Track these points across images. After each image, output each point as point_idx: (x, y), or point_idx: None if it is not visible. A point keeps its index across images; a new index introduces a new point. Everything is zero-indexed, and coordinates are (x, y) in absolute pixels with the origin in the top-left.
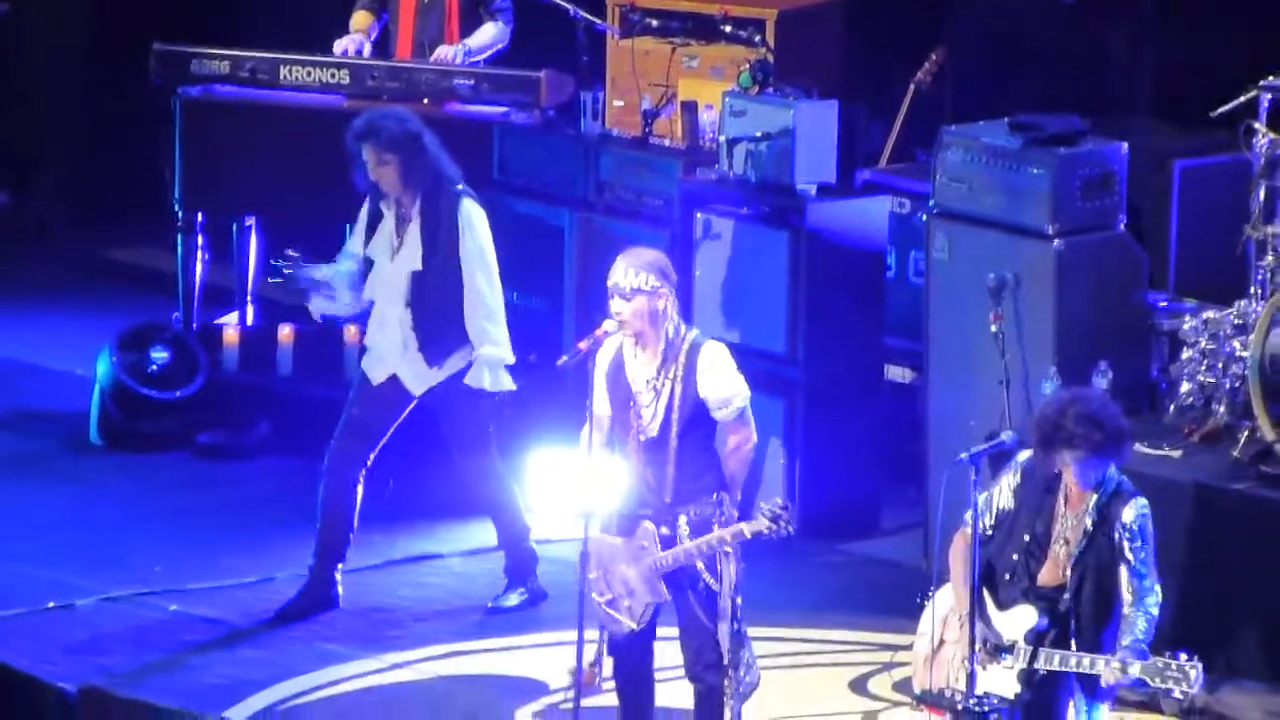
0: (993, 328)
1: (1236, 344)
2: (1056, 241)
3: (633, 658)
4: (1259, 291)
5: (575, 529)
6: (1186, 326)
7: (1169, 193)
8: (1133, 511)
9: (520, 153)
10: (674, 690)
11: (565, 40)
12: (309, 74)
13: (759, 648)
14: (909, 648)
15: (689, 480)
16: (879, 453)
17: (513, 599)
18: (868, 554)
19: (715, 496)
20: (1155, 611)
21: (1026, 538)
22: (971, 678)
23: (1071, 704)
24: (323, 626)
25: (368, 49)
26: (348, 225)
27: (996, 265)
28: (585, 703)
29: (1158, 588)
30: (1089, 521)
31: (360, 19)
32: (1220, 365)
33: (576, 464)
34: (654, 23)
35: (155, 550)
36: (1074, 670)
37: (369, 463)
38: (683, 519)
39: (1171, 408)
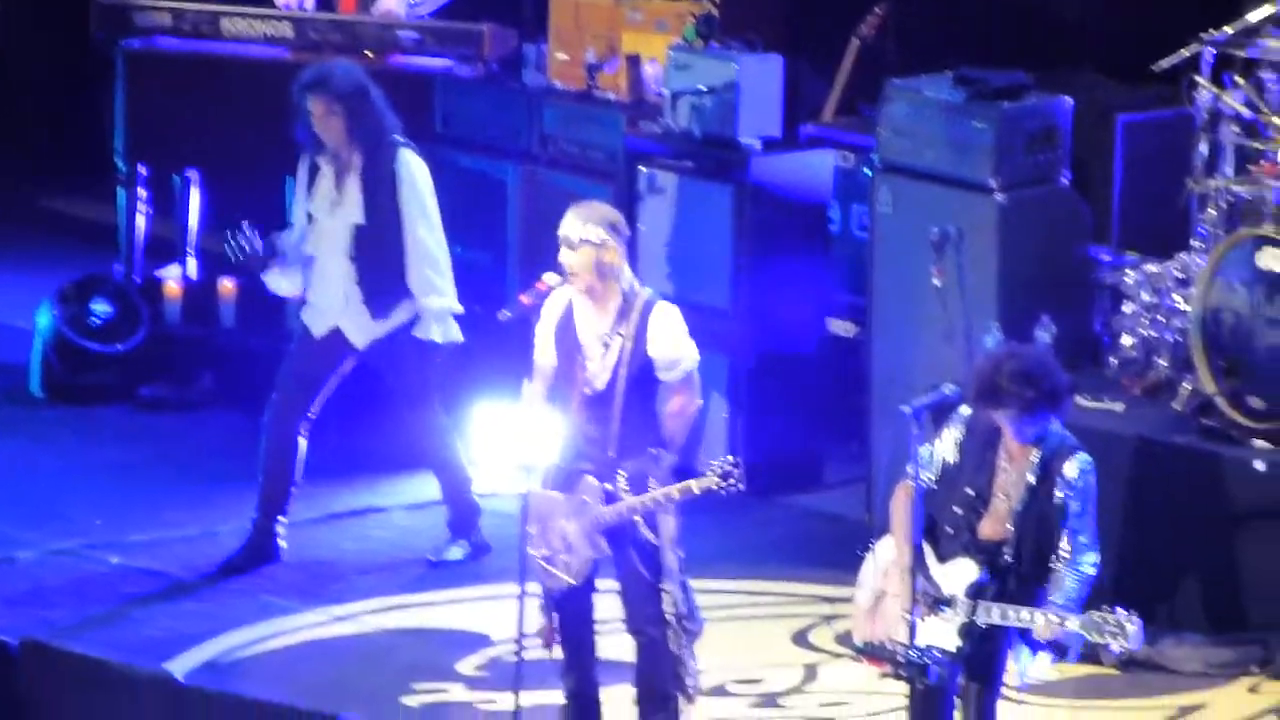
0: (936, 281)
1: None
2: (1000, 195)
3: (574, 611)
4: (1201, 245)
5: (518, 483)
6: (1129, 280)
7: (1112, 147)
8: (1075, 468)
9: (463, 106)
10: (616, 642)
11: None
12: (251, 26)
13: (701, 600)
14: (850, 600)
15: (632, 436)
16: (822, 406)
17: (455, 552)
18: (810, 507)
19: (654, 453)
20: (1091, 571)
21: (969, 491)
22: (912, 629)
23: (1011, 655)
24: (265, 579)
25: (310, 1)
26: (289, 178)
27: (940, 219)
28: (529, 656)
29: (1095, 547)
30: (1031, 476)
31: None
32: (1162, 319)
33: (519, 417)
34: None
35: (97, 503)
36: (1012, 624)
37: (310, 415)
38: (620, 474)
39: (1113, 361)
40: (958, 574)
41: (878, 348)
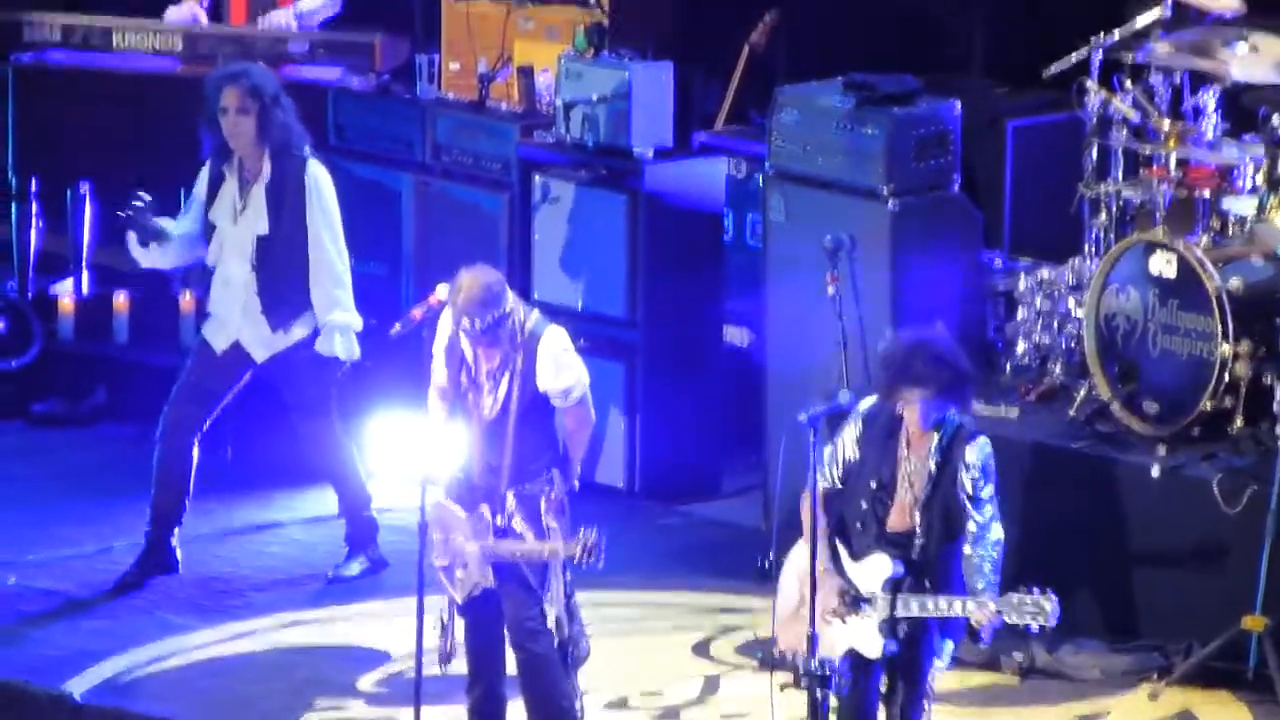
0: (829, 289)
1: (1071, 303)
2: (892, 202)
3: (478, 623)
4: (1093, 250)
5: (417, 497)
6: (1022, 286)
7: (1003, 152)
8: (976, 451)
9: (356, 117)
10: None
11: (400, 3)
12: (142, 39)
13: (601, 612)
14: (749, 610)
15: (526, 462)
16: (718, 415)
17: (354, 567)
18: (708, 516)
19: (547, 475)
20: (996, 554)
21: (873, 484)
22: (812, 641)
23: (935, 655)
24: (163, 597)
25: (203, 18)
26: (182, 190)
27: (833, 226)
28: (429, 672)
29: (998, 526)
30: (933, 464)
31: None
32: (1056, 324)
33: (419, 429)
34: None
35: None
36: (932, 614)
37: (204, 428)
38: (511, 494)
39: (1008, 367)
40: (873, 570)
41: (772, 355)
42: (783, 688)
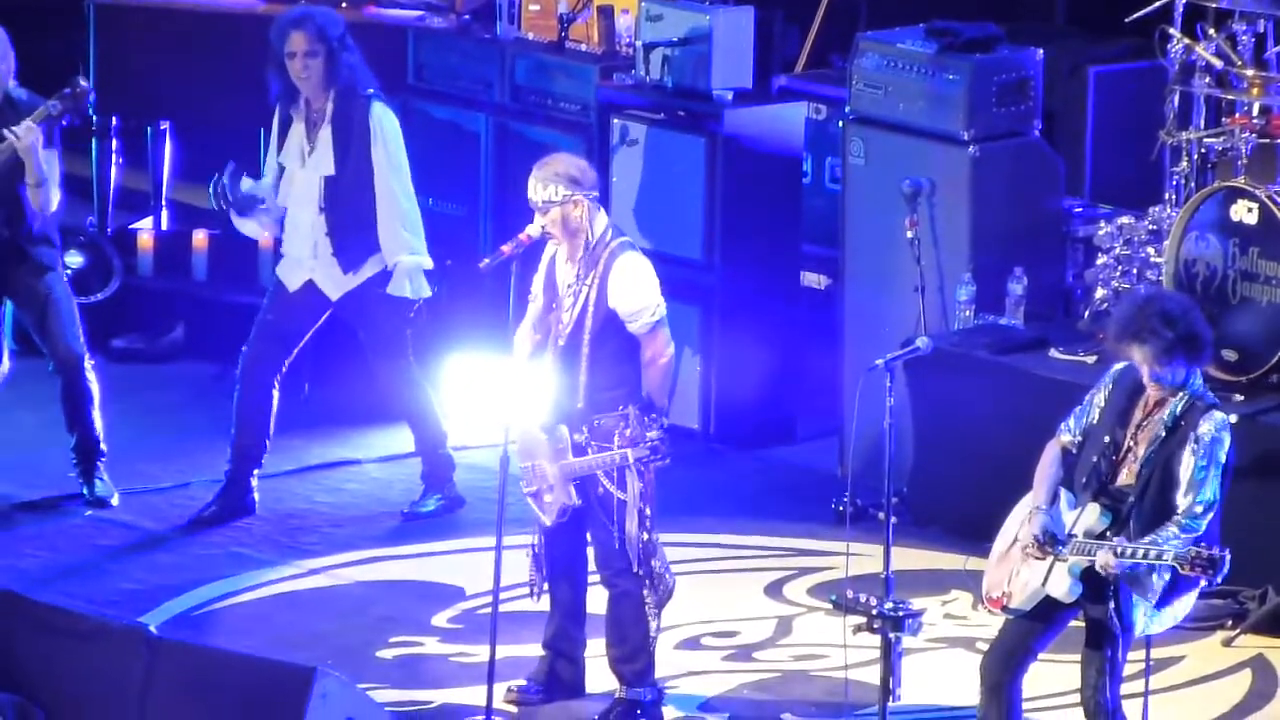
0: (908, 233)
1: (1151, 250)
2: (972, 147)
3: (563, 559)
4: (1174, 197)
5: (493, 435)
6: (1101, 232)
7: (1084, 99)
8: (1209, 425)
9: (436, 57)
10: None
11: None
12: None
13: (676, 553)
14: (826, 554)
15: (601, 389)
16: (795, 359)
17: (430, 505)
18: (784, 460)
19: (622, 409)
20: (1200, 526)
21: (1106, 439)
22: (888, 583)
23: (1137, 611)
24: (239, 532)
25: None
26: (261, 129)
27: (912, 171)
28: (507, 609)
29: (1210, 497)
30: (1163, 427)
31: None
32: (1135, 271)
33: (496, 369)
34: None
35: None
36: (1112, 561)
37: (284, 368)
38: (585, 428)
39: (1086, 313)
40: (1082, 518)
41: (850, 300)
42: (856, 630)
